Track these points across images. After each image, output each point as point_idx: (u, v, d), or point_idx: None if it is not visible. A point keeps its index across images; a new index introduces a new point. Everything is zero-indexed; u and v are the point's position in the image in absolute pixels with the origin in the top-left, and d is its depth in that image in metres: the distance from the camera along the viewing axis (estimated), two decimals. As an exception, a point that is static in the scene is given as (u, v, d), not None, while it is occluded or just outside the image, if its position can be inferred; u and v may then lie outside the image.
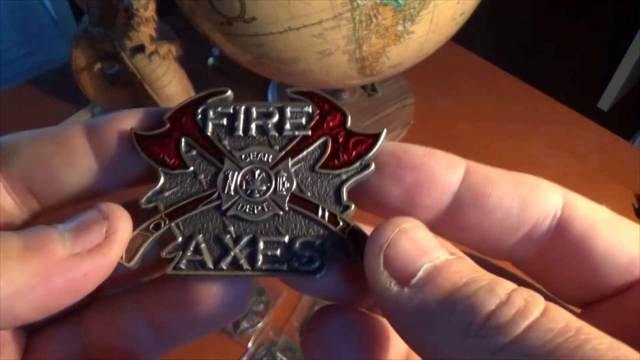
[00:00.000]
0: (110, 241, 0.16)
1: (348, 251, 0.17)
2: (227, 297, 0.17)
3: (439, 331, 0.14)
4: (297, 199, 0.18)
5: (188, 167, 0.18)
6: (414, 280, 0.15)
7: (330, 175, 0.18)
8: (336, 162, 0.18)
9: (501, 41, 1.33)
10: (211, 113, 0.19)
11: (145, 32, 0.53)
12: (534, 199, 0.17)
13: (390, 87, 0.67)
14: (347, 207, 0.18)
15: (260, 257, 0.17)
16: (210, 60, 0.72)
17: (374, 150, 0.18)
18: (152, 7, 0.52)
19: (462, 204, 0.17)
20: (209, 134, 0.18)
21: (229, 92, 0.19)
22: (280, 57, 0.48)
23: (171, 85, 0.56)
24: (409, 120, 0.65)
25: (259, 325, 0.49)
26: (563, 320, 0.13)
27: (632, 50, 1.24)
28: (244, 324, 0.49)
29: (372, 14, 0.44)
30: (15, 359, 0.18)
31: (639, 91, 1.35)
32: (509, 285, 0.14)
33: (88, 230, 0.16)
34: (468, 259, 0.16)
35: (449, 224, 0.18)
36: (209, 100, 0.19)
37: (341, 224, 0.17)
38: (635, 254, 0.16)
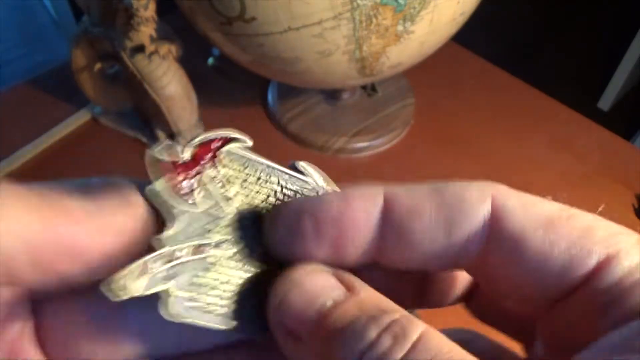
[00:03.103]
0: (130, 206, 0.16)
1: None
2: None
3: None
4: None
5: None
6: (305, 333, 0.15)
7: None
8: None
9: (501, 41, 1.33)
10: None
11: (145, 32, 0.53)
12: (459, 220, 0.16)
13: (390, 87, 0.67)
14: None
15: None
16: (210, 60, 0.72)
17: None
18: (152, 7, 0.52)
19: (387, 240, 0.17)
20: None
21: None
22: (280, 57, 0.48)
23: (171, 85, 0.56)
24: (409, 120, 0.65)
25: (259, 325, 0.49)
26: (426, 357, 0.13)
27: (632, 50, 1.24)
28: (244, 324, 0.49)
29: (372, 14, 0.44)
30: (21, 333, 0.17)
31: (639, 91, 1.35)
32: (386, 319, 0.14)
33: (103, 195, 0.15)
34: (362, 293, 0.16)
35: (381, 257, 0.17)
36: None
37: None
38: (566, 263, 0.15)
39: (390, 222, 0.17)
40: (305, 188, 0.19)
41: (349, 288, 0.16)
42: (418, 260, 0.17)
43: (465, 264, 0.17)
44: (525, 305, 0.17)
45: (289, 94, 0.66)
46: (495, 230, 0.16)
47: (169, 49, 0.55)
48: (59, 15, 1.55)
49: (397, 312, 0.15)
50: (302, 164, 0.19)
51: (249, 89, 0.68)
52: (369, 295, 0.16)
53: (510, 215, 0.16)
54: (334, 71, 0.50)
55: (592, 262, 0.15)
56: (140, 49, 0.54)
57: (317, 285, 0.16)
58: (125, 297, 0.15)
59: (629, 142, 0.68)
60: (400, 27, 0.46)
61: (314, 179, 0.20)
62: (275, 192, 0.19)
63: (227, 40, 0.50)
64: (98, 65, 0.59)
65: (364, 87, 0.67)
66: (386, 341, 0.14)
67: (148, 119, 0.61)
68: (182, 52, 0.57)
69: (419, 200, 0.17)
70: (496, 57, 0.75)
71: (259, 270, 0.18)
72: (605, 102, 1.33)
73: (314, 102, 0.65)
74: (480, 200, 0.16)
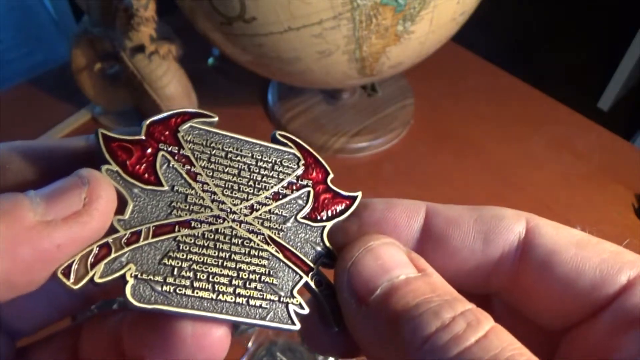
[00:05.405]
0: (91, 209, 0.14)
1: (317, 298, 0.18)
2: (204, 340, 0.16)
3: (388, 349, 0.15)
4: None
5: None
6: (371, 298, 0.16)
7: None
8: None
9: (501, 41, 1.33)
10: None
11: (145, 32, 0.53)
12: (495, 233, 0.17)
13: (390, 87, 0.67)
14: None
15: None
16: (210, 60, 0.72)
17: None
18: (152, 7, 0.52)
19: (426, 249, 0.17)
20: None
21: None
22: (280, 57, 0.48)
23: (171, 85, 0.56)
24: (409, 120, 0.65)
25: (259, 325, 0.49)
26: (497, 348, 0.13)
27: (632, 50, 1.24)
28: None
29: (372, 14, 0.44)
30: None
31: (639, 91, 1.35)
32: (460, 307, 0.14)
33: (64, 196, 0.14)
34: (434, 277, 0.16)
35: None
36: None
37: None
38: (597, 279, 0.16)
39: (430, 228, 0.17)
40: (285, 158, 0.19)
41: (420, 269, 0.16)
42: (455, 272, 0.17)
43: (498, 283, 0.18)
44: (553, 323, 0.17)
45: (289, 94, 0.66)
46: (529, 246, 0.17)
47: (169, 49, 0.55)
48: (59, 15, 1.55)
49: (470, 303, 0.15)
50: (280, 133, 0.19)
51: (249, 89, 0.68)
52: (441, 281, 0.16)
53: (544, 234, 0.17)
54: (334, 71, 0.50)
55: (622, 279, 0.16)
56: (140, 49, 0.54)
57: (391, 256, 0.16)
58: (80, 285, 0.14)
59: (629, 142, 0.68)
60: (400, 27, 0.46)
61: (293, 148, 0.19)
62: (249, 165, 0.18)
63: (227, 40, 0.50)
64: (98, 65, 0.59)
65: (364, 87, 0.67)
66: (460, 325, 0.14)
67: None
68: (182, 52, 0.57)
69: (458, 213, 0.17)
70: (496, 57, 0.75)
71: (235, 249, 0.17)
72: (605, 102, 1.33)
73: (314, 102, 0.65)
74: (515, 218, 0.17)
